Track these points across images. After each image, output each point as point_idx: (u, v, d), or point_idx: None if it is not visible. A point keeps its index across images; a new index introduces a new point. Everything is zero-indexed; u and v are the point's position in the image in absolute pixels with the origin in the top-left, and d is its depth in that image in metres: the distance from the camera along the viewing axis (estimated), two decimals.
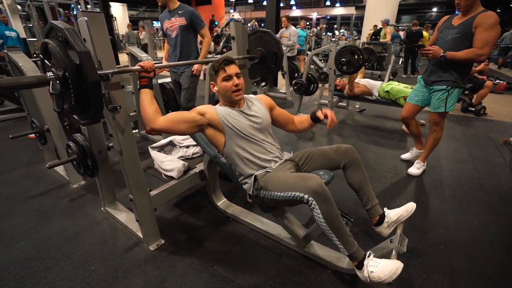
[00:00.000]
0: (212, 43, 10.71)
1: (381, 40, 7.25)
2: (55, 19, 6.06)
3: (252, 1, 22.80)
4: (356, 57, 3.06)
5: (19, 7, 6.68)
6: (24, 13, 6.85)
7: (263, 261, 1.43)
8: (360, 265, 1.08)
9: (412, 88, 3.00)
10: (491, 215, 1.81)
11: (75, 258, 1.45)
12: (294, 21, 23.50)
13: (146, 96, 1.21)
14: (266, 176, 1.25)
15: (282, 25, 5.25)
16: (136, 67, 1.22)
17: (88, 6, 7.04)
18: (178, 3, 2.51)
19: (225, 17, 16.47)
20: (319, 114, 1.36)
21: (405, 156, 2.56)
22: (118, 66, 1.37)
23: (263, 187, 1.21)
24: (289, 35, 5.11)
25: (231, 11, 22.56)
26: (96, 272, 1.36)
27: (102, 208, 1.82)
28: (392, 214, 1.27)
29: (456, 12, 2.03)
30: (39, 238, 1.59)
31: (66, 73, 0.88)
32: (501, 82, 5.64)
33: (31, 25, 6.87)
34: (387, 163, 2.52)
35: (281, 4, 6.15)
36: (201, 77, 3.14)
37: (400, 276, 1.07)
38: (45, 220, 1.75)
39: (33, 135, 2.18)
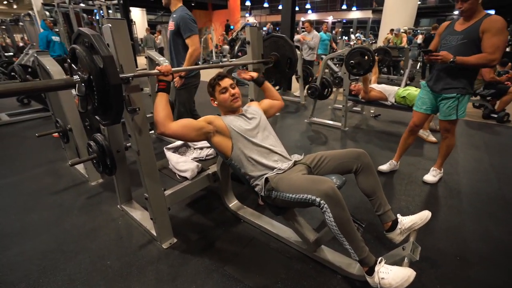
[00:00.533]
0: (227, 46, 10.91)
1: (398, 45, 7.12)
2: (79, 24, 6.35)
3: (267, 5, 22.94)
4: (366, 58, 3.01)
5: (47, 13, 7.06)
6: (51, 18, 7.21)
7: (273, 264, 1.44)
8: (370, 271, 1.07)
9: None
10: (511, 227, 1.74)
11: (92, 252, 1.51)
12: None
13: (161, 99, 1.26)
14: (278, 177, 1.26)
15: (305, 30, 5.34)
16: (155, 71, 1.28)
17: (110, 11, 7.34)
18: (179, 4, 2.25)
19: (241, 21, 16.69)
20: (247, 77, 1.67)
21: (383, 167, 2.41)
22: (137, 69, 1.43)
23: (275, 188, 1.23)
24: (312, 38, 5.21)
25: (247, 15, 22.82)
26: (112, 267, 1.41)
27: (118, 206, 1.89)
28: (406, 221, 1.25)
29: (454, 17, 1.98)
30: (60, 232, 1.68)
31: (91, 76, 0.94)
32: None
33: (57, 29, 7.22)
34: (402, 170, 2.47)
35: (296, 8, 6.15)
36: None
37: (412, 285, 1.05)
38: (65, 215, 1.84)
39: (57, 134, 2.30)
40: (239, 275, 1.36)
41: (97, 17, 7.55)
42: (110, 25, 1.09)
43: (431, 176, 2.26)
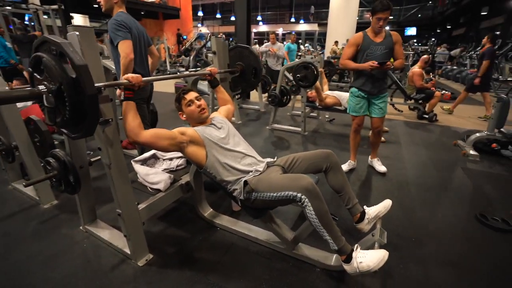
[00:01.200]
0: (184, 56, 10.71)
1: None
2: (7, 28, 5.61)
3: (220, 16, 23.25)
4: (310, 71, 3.33)
5: None
6: None
7: (255, 267, 1.47)
8: (348, 259, 1.17)
9: None
10: (450, 209, 2.05)
11: (56, 282, 1.36)
12: (262, 35, 24.30)
13: (131, 108, 1.24)
14: (256, 178, 1.31)
15: (270, 41, 5.61)
16: (124, 80, 1.24)
17: (45, 17, 6.68)
18: (118, 10, 2.00)
19: (193, 31, 16.57)
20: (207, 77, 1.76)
21: (343, 167, 2.49)
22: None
23: (254, 189, 1.27)
24: (278, 49, 5.46)
25: (199, 25, 22.77)
26: None
27: (81, 227, 1.73)
28: (372, 211, 1.40)
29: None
30: (10, 266, 1.47)
31: (62, 87, 0.88)
32: (447, 92, 6.41)
33: None
34: (359, 168, 2.72)
35: None
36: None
37: (381, 268, 1.18)
38: (15, 245, 1.62)
39: None
40: (223, 282, 1.36)
41: (33, 23, 6.80)
42: (78, 33, 1.04)
43: (382, 166, 2.59)
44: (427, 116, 4.54)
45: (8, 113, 1.79)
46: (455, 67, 10.49)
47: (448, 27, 18.73)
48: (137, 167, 1.76)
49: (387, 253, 1.15)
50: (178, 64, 9.29)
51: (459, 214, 1.99)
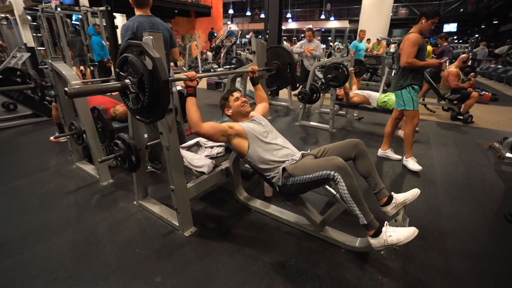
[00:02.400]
0: (210, 53, 11.11)
1: (375, 52, 7.67)
2: (63, 30, 6.24)
3: (249, 13, 23.50)
4: (340, 71, 3.41)
5: (29, 17, 6.90)
6: (34, 23, 7.07)
7: (285, 244, 1.65)
8: (377, 233, 1.31)
9: None
10: (478, 207, 2.08)
11: (120, 242, 1.65)
12: (291, 33, 24.19)
13: (193, 103, 1.48)
14: (293, 165, 1.49)
15: (306, 39, 5.06)
16: (183, 76, 1.46)
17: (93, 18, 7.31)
18: (137, 13, 2.15)
19: (223, 28, 16.98)
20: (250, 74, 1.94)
21: (412, 166, 2.67)
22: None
23: (292, 174, 1.45)
24: (316, 47, 5.02)
25: (229, 22, 23.19)
26: (141, 254, 1.56)
27: (135, 202, 2.03)
28: (399, 197, 1.51)
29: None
30: (83, 226, 1.79)
31: (143, 77, 1.12)
32: (487, 93, 6.07)
33: (40, 34, 7.09)
34: (386, 165, 2.79)
35: None
36: None
37: (402, 253, 1.30)
38: (84, 212, 1.95)
39: (58, 138, 2.38)
40: (258, 254, 1.56)
41: (77, 24, 7.50)
42: (152, 37, 1.28)
43: (417, 165, 2.66)
44: (461, 117, 4.40)
45: (81, 103, 2.12)
46: (499, 66, 9.79)
47: (495, 22, 17.33)
48: (184, 152, 2.01)
49: (417, 230, 1.27)
50: (211, 62, 9.63)
51: (487, 213, 2.01)
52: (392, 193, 1.55)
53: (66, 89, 1.03)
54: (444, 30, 17.98)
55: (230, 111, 1.76)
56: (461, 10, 18.59)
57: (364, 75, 7.62)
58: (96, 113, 2.23)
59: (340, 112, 4.61)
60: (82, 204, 2.05)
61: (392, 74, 9.21)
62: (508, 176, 2.61)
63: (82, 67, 7.19)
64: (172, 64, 2.47)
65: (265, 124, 1.75)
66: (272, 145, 1.62)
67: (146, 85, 1.13)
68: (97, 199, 2.12)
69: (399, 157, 2.83)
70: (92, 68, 7.49)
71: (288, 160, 1.56)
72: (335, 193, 1.57)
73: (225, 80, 5.42)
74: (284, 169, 1.49)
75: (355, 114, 4.63)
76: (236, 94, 1.77)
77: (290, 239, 1.69)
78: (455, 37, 14.41)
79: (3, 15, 7.64)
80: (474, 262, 1.54)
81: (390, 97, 3.41)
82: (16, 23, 7.18)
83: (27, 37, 6.87)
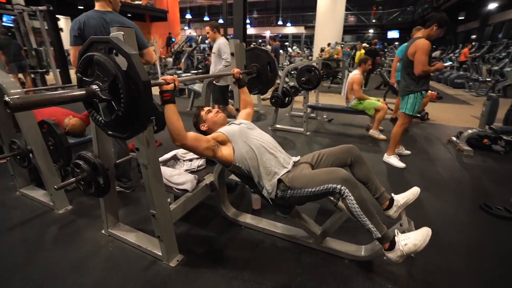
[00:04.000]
0: (170, 59, 10.64)
1: (336, 56, 8.04)
2: None
3: (208, 19, 23.18)
4: (313, 74, 3.45)
5: None
6: None
7: (286, 262, 1.51)
8: (392, 245, 1.23)
9: (378, 100, 3.61)
10: (456, 201, 2.18)
11: (87, 287, 1.34)
12: (250, 38, 24.45)
13: (174, 111, 1.24)
14: (289, 176, 1.35)
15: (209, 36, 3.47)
16: (161, 80, 1.23)
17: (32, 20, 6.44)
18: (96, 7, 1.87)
19: (181, 33, 16.46)
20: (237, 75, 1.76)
21: (393, 162, 2.82)
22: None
23: (290, 187, 1.31)
24: (217, 50, 3.32)
25: (186, 27, 22.60)
26: None
27: (103, 231, 1.71)
28: (400, 198, 1.46)
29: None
30: (35, 271, 1.43)
31: (117, 80, 0.89)
32: (433, 92, 6.72)
33: None
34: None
35: None
36: None
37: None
38: (35, 251, 1.58)
39: (3, 159, 1.95)
40: (259, 278, 1.38)
41: (12, 25, 6.54)
42: (123, 33, 1.05)
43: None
44: (419, 115, 4.75)
45: (25, 116, 1.74)
46: None
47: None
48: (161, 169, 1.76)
49: (429, 229, 1.22)
50: (172, 68, 9.17)
51: (465, 205, 2.12)
52: (393, 194, 1.51)
53: (7, 98, 0.74)
54: (388, 37, 19.84)
55: (205, 126, 1.62)
56: (399, 19, 20.66)
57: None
58: (46, 128, 1.85)
59: (311, 114, 4.65)
60: (33, 240, 1.67)
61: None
62: (470, 167, 2.82)
63: (20, 75, 6.26)
64: None
65: (246, 123, 1.59)
66: (259, 143, 1.43)
67: (121, 89, 0.90)
68: (53, 231, 1.75)
69: (403, 165, 2.76)
70: (33, 76, 6.57)
71: (282, 168, 1.42)
72: (336, 201, 1.47)
73: (190, 85, 5.15)
74: (279, 181, 1.35)
75: (324, 116, 4.71)
76: (206, 108, 1.67)
77: (290, 255, 1.55)
78: (397, 43, 16.13)
79: None
80: (470, 256, 1.57)
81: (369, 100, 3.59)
82: None
83: None
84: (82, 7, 11.61)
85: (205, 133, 1.64)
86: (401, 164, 2.74)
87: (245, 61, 2.03)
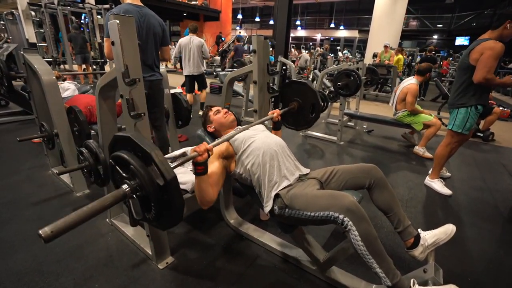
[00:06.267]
0: (218, 57, 10.97)
1: (387, 62, 7.35)
2: (67, 27, 6.12)
3: (258, 19, 23.50)
4: (352, 79, 3.10)
5: (32, 13, 6.79)
6: (38, 19, 6.94)
7: (281, 286, 1.33)
8: None
9: (431, 114, 3.17)
10: None
11: (78, 274, 1.34)
12: (299, 41, 24.14)
13: (205, 182, 1.10)
14: (290, 193, 1.17)
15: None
16: (192, 154, 1.03)
17: (99, 17, 7.18)
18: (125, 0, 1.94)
19: (231, 33, 16.89)
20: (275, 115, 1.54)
21: (437, 187, 2.38)
22: None
23: (289, 205, 1.13)
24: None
25: (237, 28, 23.20)
26: None
27: (108, 220, 1.73)
28: (428, 236, 1.18)
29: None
30: (39, 249, 1.49)
31: (149, 196, 0.80)
32: (505, 109, 5.69)
33: (42, 30, 6.96)
34: (401, 186, 2.45)
35: None
36: None
37: None
38: None
39: (39, 139, 2.12)
40: None
41: (87, 21, 7.36)
42: (118, 21, 1.00)
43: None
44: (481, 134, 4.05)
45: (53, 101, 1.85)
46: None
47: None
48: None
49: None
50: (215, 65, 9.47)
51: None
52: (419, 230, 1.22)
53: (40, 232, 0.64)
54: (456, 44, 17.68)
55: (212, 127, 1.54)
56: (473, 24, 18.24)
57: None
58: (73, 114, 1.95)
59: (348, 123, 4.30)
60: (47, 218, 1.76)
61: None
62: None
63: (84, 66, 7.02)
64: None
65: (255, 128, 1.42)
66: (263, 148, 1.26)
67: (153, 203, 0.81)
68: (66, 213, 1.81)
69: (449, 192, 2.32)
70: (94, 67, 7.32)
71: (284, 180, 1.24)
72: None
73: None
74: (277, 195, 1.18)
75: (364, 126, 4.31)
76: (215, 108, 1.58)
77: (287, 280, 1.37)
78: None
79: (9, 11, 7.57)
80: None
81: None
82: (20, 19, 7.08)
83: (29, 32, 6.75)
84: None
85: (212, 134, 1.57)
86: (446, 191, 2.31)
87: (268, 59, 1.88)
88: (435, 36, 19.59)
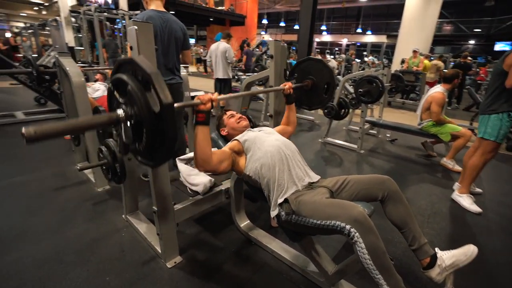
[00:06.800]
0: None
1: (415, 68, 7.02)
2: (101, 32, 6.53)
3: (283, 24, 23.56)
4: (374, 85, 2.98)
5: (73, 19, 7.34)
6: (76, 24, 7.49)
7: None
8: None
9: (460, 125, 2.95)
10: None
11: (92, 265, 1.41)
12: (325, 46, 23.81)
13: (205, 135, 1.09)
14: (299, 199, 1.15)
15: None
16: (195, 100, 1.05)
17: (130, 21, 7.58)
18: (149, 7, 2.01)
19: (256, 38, 17.07)
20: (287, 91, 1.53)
21: (466, 204, 2.21)
22: None
23: (296, 211, 1.11)
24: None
25: (262, 32, 23.40)
26: (110, 285, 1.30)
27: (123, 216, 1.80)
28: (446, 257, 1.09)
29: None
30: (60, 240, 1.58)
31: (143, 122, 0.78)
32: None
33: (80, 35, 7.48)
34: (424, 199, 2.31)
35: None
36: None
37: None
38: (68, 221, 1.76)
39: (69, 136, 2.27)
40: None
41: (119, 26, 7.80)
42: (136, 28, 1.05)
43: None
44: None
45: (81, 101, 1.98)
46: None
47: None
48: (181, 166, 1.75)
49: None
50: (237, 68, 9.62)
51: None
52: (436, 249, 1.14)
53: (23, 131, 0.63)
54: (495, 49, 16.48)
55: (225, 131, 1.56)
56: None
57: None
58: (98, 114, 2.07)
59: (370, 131, 4.15)
60: (69, 211, 1.87)
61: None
62: None
63: None
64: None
65: (265, 129, 1.44)
66: (274, 151, 1.24)
67: (145, 131, 0.79)
68: (87, 207, 1.93)
69: (478, 209, 2.14)
70: None
71: (293, 185, 1.21)
72: None
73: (252, 88, 5.21)
74: (286, 200, 1.15)
75: (388, 135, 4.14)
76: (229, 112, 1.60)
77: None
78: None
79: (53, 18, 8.25)
80: None
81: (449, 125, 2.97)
82: (62, 25, 7.69)
83: (69, 37, 7.29)
84: (173, 12, 13.17)
85: (225, 138, 1.59)
86: (475, 208, 2.14)
87: (285, 65, 1.87)
88: (472, 41, 18.41)
